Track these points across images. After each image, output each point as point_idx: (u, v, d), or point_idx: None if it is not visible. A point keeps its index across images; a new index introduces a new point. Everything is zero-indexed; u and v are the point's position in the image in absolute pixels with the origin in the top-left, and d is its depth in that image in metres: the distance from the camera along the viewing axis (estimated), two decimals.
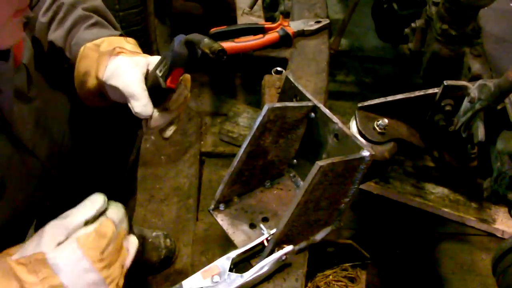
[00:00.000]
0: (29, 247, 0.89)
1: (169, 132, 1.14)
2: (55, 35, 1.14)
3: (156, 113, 1.07)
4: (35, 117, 1.06)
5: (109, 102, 1.13)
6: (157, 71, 1.05)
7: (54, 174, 1.13)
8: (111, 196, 1.00)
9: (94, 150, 1.30)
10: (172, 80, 1.05)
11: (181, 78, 1.08)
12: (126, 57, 1.07)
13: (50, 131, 1.12)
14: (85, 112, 1.22)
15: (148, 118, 1.06)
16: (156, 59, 1.09)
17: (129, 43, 1.12)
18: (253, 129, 1.10)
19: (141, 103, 1.04)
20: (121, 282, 0.93)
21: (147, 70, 1.08)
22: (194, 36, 1.01)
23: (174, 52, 1.02)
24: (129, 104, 1.06)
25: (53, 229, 0.90)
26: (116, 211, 0.97)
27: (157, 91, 1.06)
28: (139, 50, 1.13)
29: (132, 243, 0.98)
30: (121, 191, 1.46)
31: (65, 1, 1.15)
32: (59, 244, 0.89)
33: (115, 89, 1.06)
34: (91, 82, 1.09)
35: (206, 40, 0.99)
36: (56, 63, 1.17)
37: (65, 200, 1.03)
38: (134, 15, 1.96)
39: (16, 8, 0.85)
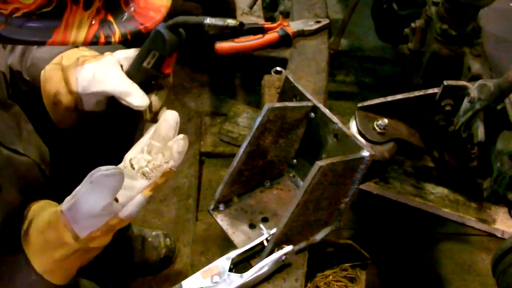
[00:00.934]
0: None
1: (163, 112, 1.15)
2: (11, 59, 1.14)
3: (154, 99, 1.09)
4: (16, 121, 1.06)
5: (83, 116, 1.13)
6: (145, 64, 1.06)
7: (49, 176, 1.12)
8: None
9: (88, 150, 1.30)
10: (168, 66, 1.07)
11: None
12: (94, 63, 1.07)
13: (33, 135, 1.11)
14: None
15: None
16: (123, 52, 1.10)
17: (85, 50, 1.13)
18: (253, 129, 1.10)
19: (137, 96, 1.05)
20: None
21: (122, 66, 1.09)
22: (183, 19, 1.02)
23: (168, 41, 1.02)
24: (123, 102, 1.06)
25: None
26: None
27: (149, 81, 1.08)
28: (95, 52, 1.13)
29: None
30: None
31: None
32: None
33: (97, 95, 1.07)
34: (65, 100, 1.09)
35: (210, 19, 1.00)
36: (16, 88, 1.16)
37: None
38: None
39: None
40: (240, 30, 0.98)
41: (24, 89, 1.16)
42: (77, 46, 1.15)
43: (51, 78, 1.09)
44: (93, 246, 0.95)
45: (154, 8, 0.90)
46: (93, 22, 0.82)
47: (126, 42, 0.88)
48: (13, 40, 0.79)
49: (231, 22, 0.99)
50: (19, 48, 1.14)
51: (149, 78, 1.08)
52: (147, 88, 1.08)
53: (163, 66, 1.06)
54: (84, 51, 1.12)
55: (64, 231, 0.92)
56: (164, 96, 1.12)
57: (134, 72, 1.08)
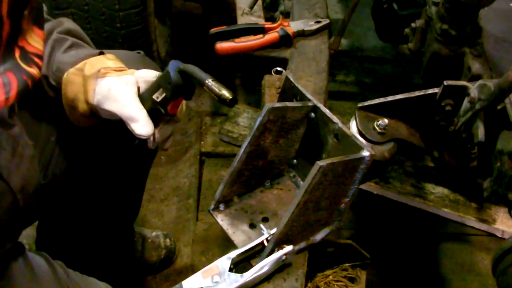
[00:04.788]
0: None
1: (168, 143, 1.16)
2: None
3: (158, 130, 1.09)
4: (13, 144, 1.01)
5: (100, 119, 1.13)
6: (154, 97, 1.06)
7: (22, 207, 1.02)
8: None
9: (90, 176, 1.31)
10: (173, 108, 1.09)
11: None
12: (114, 78, 1.07)
13: (26, 162, 1.05)
14: (73, 141, 1.23)
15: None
16: (144, 73, 1.10)
17: (110, 60, 1.12)
18: (253, 129, 1.10)
19: (141, 124, 1.05)
20: None
21: (138, 88, 1.08)
22: (191, 69, 1.05)
23: (173, 84, 1.04)
24: (128, 127, 1.06)
25: None
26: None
27: (156, 114, 1.08)
28: (121, 64, 1.13)
29: None
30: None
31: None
32: None
33: (110, 112, 1.07)
34: (82, 107, 1.09)
35: (211, 82, 1.02)
36: (40, 93, 1.15)
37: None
38: (134, 15, 1.96)
39: None
40: (230, 104, 1.01)
41: (52, 96, 1.15)
42: (102, 53, 1.14)
43: (72, 82, 1.09)
44: None
45: None
46: None
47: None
48: None
49: (224, 94, 1.00)
50: (45, 52, 1.12)
51: (158, 110, 1.08)
52: (156, 117, 1.09)
53: (169, 105, 1.07)
54: (110, 60, 1.11)
55: None
56: (169, 131, 1.12)
57: (147, 98, 1.08)
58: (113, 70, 1.09)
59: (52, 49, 1.12)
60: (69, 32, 1.16)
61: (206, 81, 1.02)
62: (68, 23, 1.19)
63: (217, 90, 1.01)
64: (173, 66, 1.06)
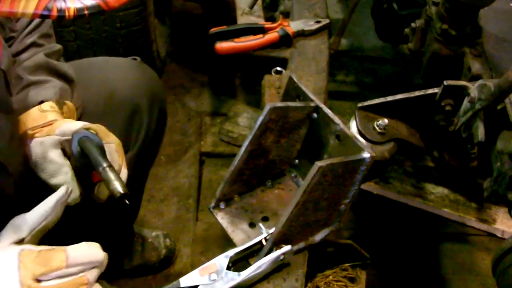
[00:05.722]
0: None
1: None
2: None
3: (98, 191, 1.07)
4: (12, 130, 1.04)
5: None
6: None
7: (19, 192, 1.07)
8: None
9: None
10: (96, 176, 1.03)
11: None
12: (39, 139, 1.05)
13: (24, 147, 1.08)
14: None
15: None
16: (67, 127, 1.05)
17: (44, 112, 1.09)
18: (254, 128, 1.10)
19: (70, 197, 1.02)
20: None
21: (64, 149, 1.05)
22: (89, 148, 0.96)
23: (73, 155, 0.99)
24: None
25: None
26: (85, 251, 0.88)
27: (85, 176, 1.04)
28: (51, 118, 1.09)
29: None
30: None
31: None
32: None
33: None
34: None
35: (105, 170, 0.92)
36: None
37: None
38: (134, 15, 1.96)
39: None
40: (120, 200, 0.91)
41: None
42: (41, 102, 1.12)
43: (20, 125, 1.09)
44: None
45: None
46: None
47: (83, 18, 0.82)
48: None
49: (115, 188, 0.91)
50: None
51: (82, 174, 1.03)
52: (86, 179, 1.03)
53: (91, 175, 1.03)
54: (42, 114, 1.09)
55: None
56: (105, 192, 1.07)
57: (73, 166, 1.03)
58: (40, 128, 1.07)
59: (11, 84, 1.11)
60: (40, 66, 1.16)
61: (100, 168, 0.93)
62: (54, 47, 1.21)
63: (108, 181, 0.91)
64: (76, 137, 1.00)
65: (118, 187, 0.91)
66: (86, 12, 0.76)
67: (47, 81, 1.16)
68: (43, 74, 1.17)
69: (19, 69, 1.15)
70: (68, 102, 1.17)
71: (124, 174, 1.08)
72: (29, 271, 0.84)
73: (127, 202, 0.92)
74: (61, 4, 0.74)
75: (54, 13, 0.74)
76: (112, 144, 1.06)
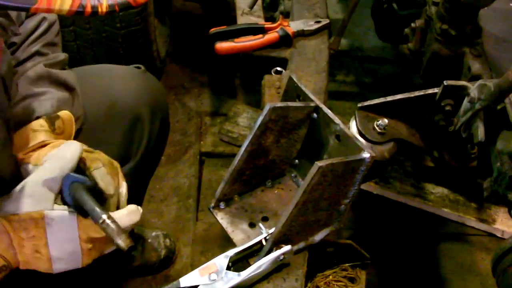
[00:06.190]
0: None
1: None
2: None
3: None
4: (5, 137, 1.01)
5: None
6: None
7: None
8: None
9: None
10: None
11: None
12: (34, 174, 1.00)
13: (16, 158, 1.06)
14: None
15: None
16: (56, 163, 1.00)
17: (35, 131, 1.08)
18: (254, 128, 1.10)
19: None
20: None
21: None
22: (81, 197, 0.93)
23: (66, 194, 0.96)
24: None
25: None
26: None
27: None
28: (38, 140, 1.07)
29: None
30: None
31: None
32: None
33: None
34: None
35: (106, 222, 0.89)
36: None
37: None
38: (134, 15, 1.96)
39: None
40: (128, 252, 0.90)
41: None
42: (38, 118, 1.10)
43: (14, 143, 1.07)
44: None
45: None
46: None
47: (114, 13, 0.85)
48: None
49: (120, 245, 0.89)
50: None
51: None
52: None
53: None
54: (29, 139, 1.07)
55: None
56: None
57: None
58: (31, 152, 1.04)
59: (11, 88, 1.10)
60: (40, 77, 1.15)
61: (99, 221, 0.89)
62: (59, 56, 1.21)
63: (111, 236, 0.88)
64: (67, 185, 0.96)
65: (122, 244, 0.90)
66: (116, 8, 0.81)
67: (44, 93, 1.15)
68: (42, 85, 1.15)
69: (20, 80, 1.14)
70: (64, 115, 1.14)
71: (123, 187, 1.07)
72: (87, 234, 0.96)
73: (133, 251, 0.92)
74: (94, 1, 0.79)
75: (88, 9, 0.79)
76: (102, 169, 1.02)
